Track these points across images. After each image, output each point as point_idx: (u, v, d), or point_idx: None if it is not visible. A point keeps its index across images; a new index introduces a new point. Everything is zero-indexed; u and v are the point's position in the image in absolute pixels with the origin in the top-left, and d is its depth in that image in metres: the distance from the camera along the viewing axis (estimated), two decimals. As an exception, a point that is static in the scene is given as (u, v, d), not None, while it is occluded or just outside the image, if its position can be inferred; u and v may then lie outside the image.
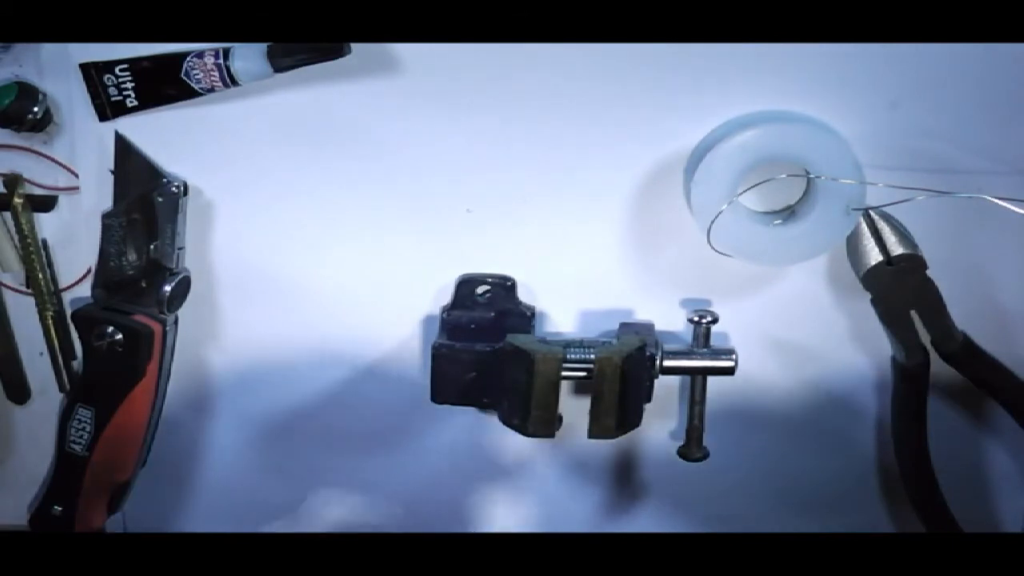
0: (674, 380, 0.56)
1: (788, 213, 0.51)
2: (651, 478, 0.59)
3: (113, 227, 0.52)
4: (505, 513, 0.60)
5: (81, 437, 0.54)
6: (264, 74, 0.48)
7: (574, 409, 0.52)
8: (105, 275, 0.52)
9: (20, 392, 0.58)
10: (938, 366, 0.53)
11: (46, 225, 0.55)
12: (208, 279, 0.55)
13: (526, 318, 0.54)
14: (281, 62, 0.48)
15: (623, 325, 0.54)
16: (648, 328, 0.54)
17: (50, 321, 0.55)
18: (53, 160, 0.53)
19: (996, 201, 0.47)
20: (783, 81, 0.49)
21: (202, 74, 0.49)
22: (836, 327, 0.54)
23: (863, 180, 0.48)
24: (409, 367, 0.56)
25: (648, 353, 0.51)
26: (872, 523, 0.59)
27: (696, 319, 0.52)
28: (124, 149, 0.52)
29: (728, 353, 0.52)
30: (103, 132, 0.52)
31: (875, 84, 0.49)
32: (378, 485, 0.60)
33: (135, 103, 0.51)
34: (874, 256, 0.50)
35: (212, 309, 0.55)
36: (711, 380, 0.53)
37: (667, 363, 0.52)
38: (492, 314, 0.54)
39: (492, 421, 0.53)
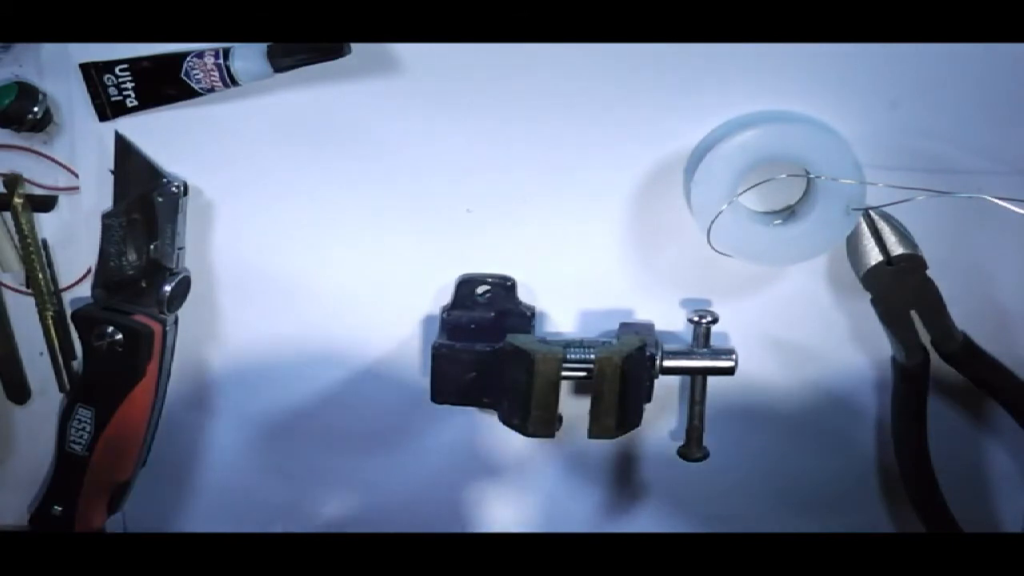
0: (674, 380, 0.56)
1: (788, 213, 0.51)
2: (651, 478, 0.59)
3: (113, 227, 0.52)
4: (505, 513, 0.60)
5: (81, 437, 0.54)
6: (264, 74, 0.48)
7: (574, 409, 0.52)
8: (105, 275, 0.52)
9: (20, 392, 0.58)
10: (938, 366, 0.53)
11: (46, 225, 0.55)
12: (208, 279, 0.55)
13: (526, 318, 0.54)
14: (281, 62, 0.48)
15: (623, 325, 0.54)
16: (648, 328, 0.54)
17: (50, 321, 0.55)
18: (53, 160, 0.53)
19: (996, 201, 0.47)
20: (783, 81, 0.49)
21: (202, 74, 0.49)
22: (836, 327, 0.54)
23: (863, 180, 0.48)
24: (409, 367, 0.56)
25: (648, 353, 0.51)
26: (872, 523, 0.59)
27: (696, 319, 0.52)
28: (124, 149, 0.52)
29: (728, 353, 0.52)
30: (103, 132, 0.52)
31: (875, 84, 0.49)
32: (378, 485, 0.60)
33: (135, 103, 0.51)
34: (874, 256, 0.50)
35: (212, 309, 0.55)
36: (711, 380, 0.53)
37: (667, 363, 0.52)
38: (492, 314, 0.54)
39: (492, 421, 0.53)
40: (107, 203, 0.53)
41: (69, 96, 0.51)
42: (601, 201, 0.52)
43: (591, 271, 0.54)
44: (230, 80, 0.49)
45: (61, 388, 0.57)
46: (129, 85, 0.50)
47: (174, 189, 0.51)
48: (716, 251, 0.49)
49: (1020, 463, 0.57)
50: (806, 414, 0.56)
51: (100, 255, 0.52)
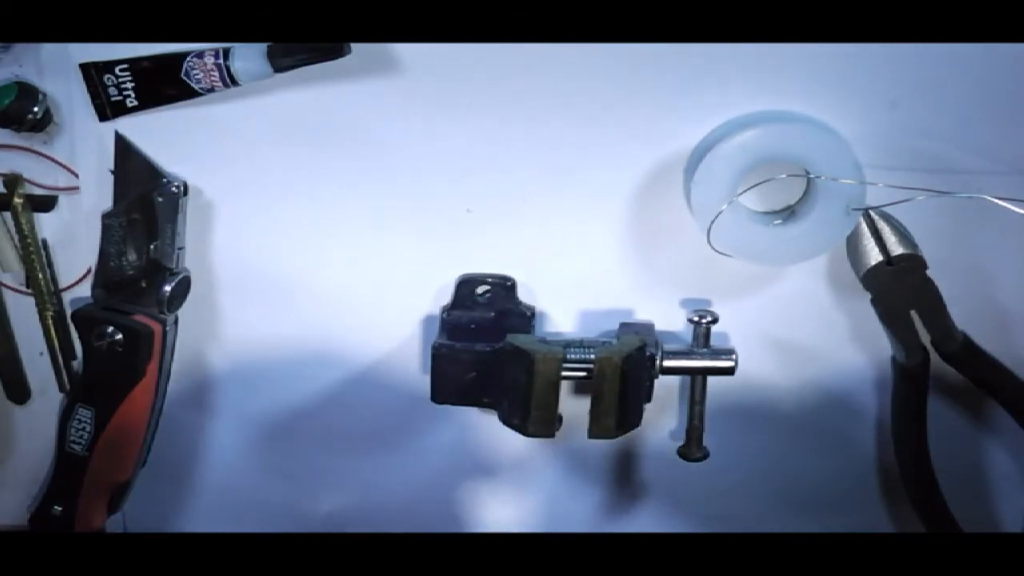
0: (674, 380, 0.56)
1: (788, 213, 0.51)
2: (651, 478, 0.59)
3: (113, 227, 0.52)
4: (505, 513, 0.60)
5: (81, 437, 0.54)
6: (264, 74, 0.48)
7: (574, 409, 0.52)
8: (105, 275, 0.52)
9: (20, 392, 0.58)
10: (938, 366, 0.53)
11: (46, 225, 0.55)
12: (208, 279, 0.55)
13: (526, 318, 0.54)
14: (281, 62, 0.48)
15: (623, 325, 0.54)
16: (648, 328, 0.54)
17: (50, 321, 0.55)
18: (53, 160, 0.53)
19: (996, 201, 0.47)
20: (783, 81, 0.49)
21: (202, 74, 0.49)
22: (836, 327, 0.54)
23: (863, 180, 0.48)
24: (409, 367, 0.56)
25: (648, 353, 0.51)
26: (872, 523, 0.59)
27: (696, 319, 0.52)
28: (124, 149, 0.52)
29: (728, 353, 0.52)
30: (103, 132, 0.52)
31: (875, 84, 0.49)
32: (378, 485, 0.60)
33: (135, 103, 0.51)
34: (874, 256, 0.50)
35: (212, 309, 0.55)
36: (711, 380, 0.53)
37: (667, 363, 0.52)
38: (492, 314, 0.54)
39: (492, 421, 0.53)
40: (107, 203, 0.53)
41: (69, 96, 0.51)
42: (601, 201, 0.52)
43: (591, 271, 0.54)
44: (230, 80, 0.49)
45: (61, 388, 0.57)
46: (129, 85, 0.50)
47: (174, 189, 0.51)
48: (716, 251, 0.49)
49: (1020, 463, 0.57)
50: (806, 414, 0.56)
51: (100, 255, 0.52)
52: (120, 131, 0.52)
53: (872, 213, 0.50)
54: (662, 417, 0.57)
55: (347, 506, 0.60)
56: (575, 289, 0.54)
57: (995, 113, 0.49)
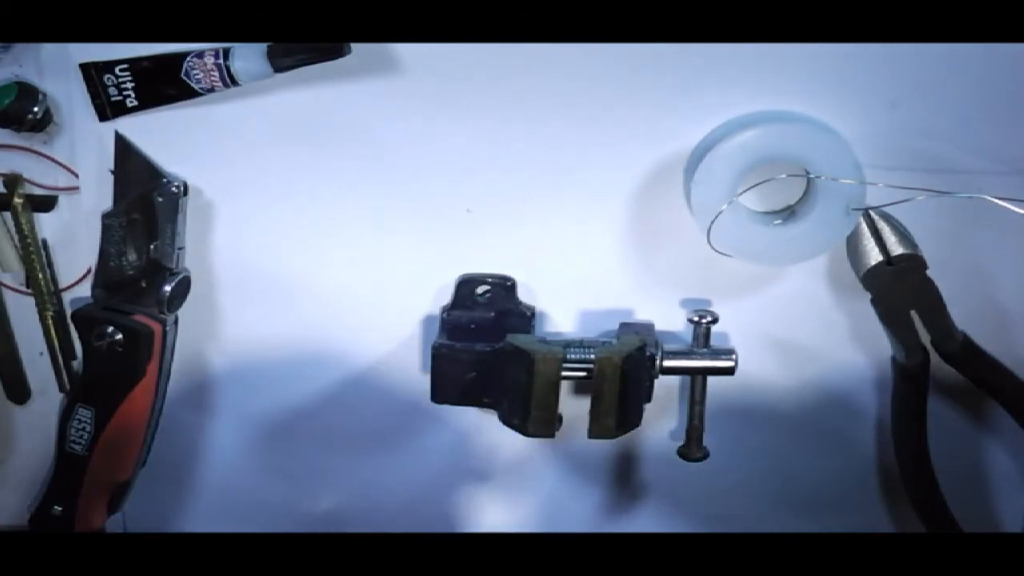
0: (674, 380, 0.56)
1: (788, 213, 0.51)
2: (651, 478, 0.59)
3: (113, 227, 0.52)
4: (505, 513, 0.60)
5: (81, 437, 0.54)
6: (264, 74, 0.48)
7: (574, 409, 0.52)
8: (105, 275, 0.52)
9: (20, 392, 0.58)
10: (938, 366, 0.53)
11: (46, 225, 0.55)
12: (208, 279, 0.55)
13: (526, 318, 0.54)
14: (281, 62, 0.48)
15: (623, 325, 0.54)
16: (648, 328, 0.54)
17: (50, 321, 0.55)
18: (53, 160, 0.53)
19: (996, 201, 0.47)
20: (783, 81, 0.49)
21: (202, 74, 0.49)
22: (836, 327, 0.54)
23: (863, 180, 0.48)
24: (409, 367, 0.56)
25: (648, 353, 0.51)
26: (872, 523, 0.59)
27: (696, 319, 0.52)
28: (124, 149, 0.52)
29: (728, 353, 0.52)
30: (103, 132, 0.52)
31: (875, 84, 0.49)
32: (378, 485, 0.60)
33: (135, 103, 0.51)
34: (874, 256, 0.50)
35: (212, 309, 0.55)
36: (711, 380, 0.53)
37: (667, 363, 0.52)
38: (492, 314, 0.54)
39: (492, 421, 0.53)
40: (107, 203, 0.53)
41: (69, 96, 0.51)
42: (601, 201, 0.52)
43: (591, 271, 0.54)
44: (230, 80, 0.49)
45: (61, 388, 0.57)
46: (129, 85, 0.50)
47: (174, 189, 0.51)
48: (716, 251, 0.49)
49: (1020, 463, 0.57)
50: (806, 414, 0.56)
51: (100, 255, 0.52)
52: (120, 131, 0.52)
53: (872, 213, 0.50)
54: (662, 417, 0.57)
55: (347, 506, 0.60)
56: (575, 289, 0.54)
57: (995, 113, 0.49)
